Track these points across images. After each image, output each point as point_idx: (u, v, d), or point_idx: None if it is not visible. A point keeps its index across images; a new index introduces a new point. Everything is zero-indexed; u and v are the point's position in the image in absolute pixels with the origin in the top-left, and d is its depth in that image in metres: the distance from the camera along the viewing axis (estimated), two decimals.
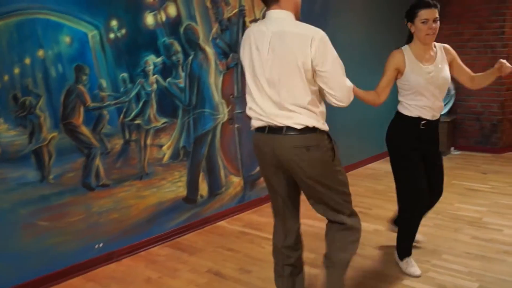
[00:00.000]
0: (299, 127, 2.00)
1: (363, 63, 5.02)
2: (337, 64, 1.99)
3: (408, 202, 2.77)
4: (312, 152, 2.01)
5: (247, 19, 3.96)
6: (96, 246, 3.14)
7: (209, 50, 3.69)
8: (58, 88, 2.84)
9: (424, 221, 3.60)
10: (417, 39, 2.61)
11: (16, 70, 2.64)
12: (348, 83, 2.05)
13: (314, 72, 1.97)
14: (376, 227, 3.68)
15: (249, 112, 2.14)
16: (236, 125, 4.02)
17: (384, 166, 5.39)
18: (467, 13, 5.87)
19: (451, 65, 2.69)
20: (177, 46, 3.45)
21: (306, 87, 1.98)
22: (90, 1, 2.91)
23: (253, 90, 2.07)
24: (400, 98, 2.73)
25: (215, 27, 3.72)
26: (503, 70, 2.49)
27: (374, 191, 4.61)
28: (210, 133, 3.81)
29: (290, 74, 1.96)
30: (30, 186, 2.77)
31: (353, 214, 2.26)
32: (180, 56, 3.49)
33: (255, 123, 2.12)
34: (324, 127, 2.07)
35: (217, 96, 3.81)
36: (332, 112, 2.26)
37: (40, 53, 2.73)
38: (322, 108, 2.08)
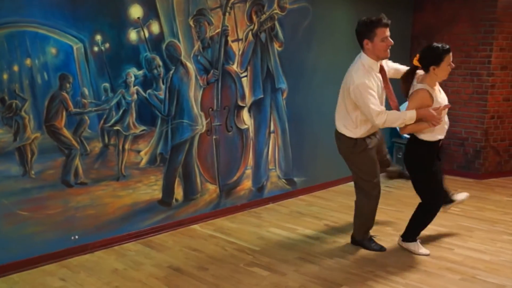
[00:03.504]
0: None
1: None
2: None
3: (436, 199, 3.47)
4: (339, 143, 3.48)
5: (230, 38, 4.28)
6: (72, 237, 3.46)
7: (190, 66, 4.02)
8: (42, 94, 3.19)
9: (383, 236, 3.86)
10: (434, 75, 3.16)
11: (5, 76, 3.01)
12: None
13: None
14: (336, 239, 3.91)
15: None
16: (214, 137, 4.33)
17: None
18: (456, 42, 6.10)
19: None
20: (158, 61, 3.79)
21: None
22: (76, 17, 3.26)
23: None
24: None
25: (197, 45, 4.05)
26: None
27: (347, 207, 4.84)
28: (187, 142, 4.12)
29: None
30: (12, 179, 3.12)
31: (367, 195, 3.53)
32: (161, 70, 3.82)
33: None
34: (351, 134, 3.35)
35: (196, 109, 4.12)
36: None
37: (28, 61, 3.09)
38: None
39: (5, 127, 3.05)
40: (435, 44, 3.15)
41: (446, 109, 3.19)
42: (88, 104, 3.43)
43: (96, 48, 3.41)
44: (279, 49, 4.73)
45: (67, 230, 3.43)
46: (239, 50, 4.39)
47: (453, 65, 3.11)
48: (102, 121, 3.53)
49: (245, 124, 4.58)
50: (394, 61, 3.53)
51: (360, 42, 3.22)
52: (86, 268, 3.31)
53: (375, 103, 3.12)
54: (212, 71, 4.19)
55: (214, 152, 4.36)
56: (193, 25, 3.99)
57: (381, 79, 3.27)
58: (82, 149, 3.44)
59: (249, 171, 4.71)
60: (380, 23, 3.10)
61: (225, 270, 3.31)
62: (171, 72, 3.90)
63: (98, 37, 3.41)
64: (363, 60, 3.21)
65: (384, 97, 3.35)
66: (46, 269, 3.28)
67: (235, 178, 4.60)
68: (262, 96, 4.67)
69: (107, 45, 3.46)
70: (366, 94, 3.09)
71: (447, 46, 3.10)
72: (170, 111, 3.95)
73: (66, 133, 3.34)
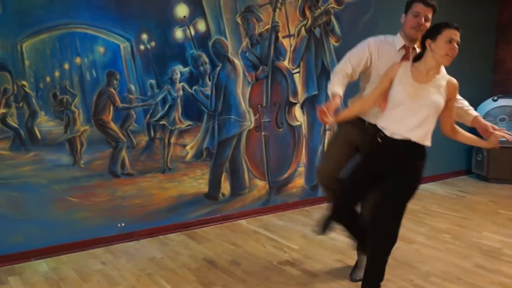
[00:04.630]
0: None
1: None
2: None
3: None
4: None
5: (280, 34, 4.26)
6: (119, 225, 3.69)
7: (238, 62, 4.07)
8: (91, 90, 3.44)
9: (437, 244, 3.62)
10: (430, 53, 2.54)
11: (57, 73, 3.29)
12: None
13: None
14: None
15: None
16: (263, 133, 4.34)
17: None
18: None
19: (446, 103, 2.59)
20: (205, 58, 3.89)
21: None
22: (123, 18, 3.47)
23: None
24: None
25: (245, 41, 4.09)
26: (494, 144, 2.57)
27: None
28: (235, 138, 4.18)
29: None
30: (63, 168, 3.40)
31: None
32: (208, 66, 3.92)
33: None
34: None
35: (244, 105, 4.17)
36: None
37: (77, 60, 3.35)
38: None
39: (56, 120, 3.34)
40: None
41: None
42: (134, 100, 3.62)
43: (142, 47, 3.59)
44: (336, 44, 4.61)
45: (114, 217, 3.66)
46: (291, 46, 4.35)
47: (456, 46, 2.47)
48: (148, 116, 3.71)
49: (297, 121, 4.53)
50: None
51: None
52: (128, 254, 3.51)
53: (344, 67, 2.76)
54: (261, 67, 4.21)
55: (263, 148, 4.37)
56: (240, 22, 4.04)
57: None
58: (129, 142, 3.65)
59: (301, 169, 4.65)
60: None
61: (257, 267, 3.32)
62: (218, 68, 3.98)
63: (144, 36, 3.59)
64: (395, 36, 2.81)
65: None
66: (93, 253, 3.53)
67: (286, 175, 4.57)
68: (316, 92, 4.59)
69: (153, 43, 3.63)
70: (352, 52, 2.79)
71: (453, 24, 2.54)
72: (216, 107, 4.03)
73: (113, 126, 3.56)
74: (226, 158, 4.17)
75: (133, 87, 3.61)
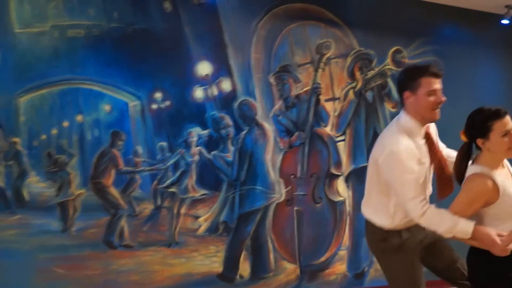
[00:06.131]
0: None
1: None
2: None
3: None
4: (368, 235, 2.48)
5: (322, 97, 3.72)
6: None
7: (268, 127, 3.59)
8: (92, 150, 3.13)
9: None
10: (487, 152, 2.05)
11: (54, 131, 3.03)
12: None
13: None
14: None
15: None
16: (296, 208, 3.75)
17: None
18: None
19: None
20: (228, 120, 3.46)
21: None
22: (135, 75, 3.17)
23: None
24: None
25: (279, 104, 3.60)
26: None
27: None
28: (260, 211, 3.64)
29: None
30: (51, 234, 3.07)
31: None
32: (231, 130, 3.48)
33: None
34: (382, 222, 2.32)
35: (273, 174, 3.64)
36: None
37: (79, 117, 3.07)
38: None
39: (49, 181, 3.05)
40: (482, 107, 2.07)
41: None
42: (140, 163, 3.26)
43: (154, 106, 3.26)
44: (393, 110, 3.95)
45: None
46: (335, 110, 3.78)
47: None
48: (155, 182, 3.33)
49: (340, 196, 3.89)
50: None
51: (400, 96, 2.28)
52: None
53: (413, 184, 2.12)
54: (297, 133, 3.68)
55: (295, 225, 3.77)
56: (274, 83, 3.57)
57: (427, 150, 2.24)
58: (130, 210, 3.27)
59: (343, 252, 3.95)
60: (427, 71, 2.16)
61: None
62: (244, 132, 3.52)
63: (158, 95, 3.26)
64: (401, 120, 2.24)
65: (431, 177, 2.30)
66: None
67: (323, 258, 3.89)
68: (366, 164, 3.90)
69: (167, 102, 3.29)
70: (402, 167, 2.12)
71: (497, 109, 1.99)
72: (239, 175, 3.54)
73: (114, 191, 3.21)
74: (248, 234, 3.62)
75: (140, 149, 3.26)
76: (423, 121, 2.21)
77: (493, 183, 1.98)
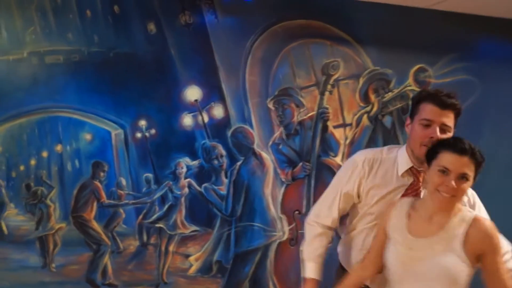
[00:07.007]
0: None
1: None
2: None
3: None
4: None
5: (330, 123, 3.33)
6: None
7: (267, 156, 3.26)
8: (72, 182, 2.98)
9: None
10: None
11: (32, 162, 2.92)
12: None
13: None
14: None
15: None
16: (301, 248, 3.33)
17: None
18: None
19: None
20: (221, 150, 3.18)
21: None
22: (117, 101, 3.00)
23: None
24: None
25: (279, 131, 3.27)
26: None
27: None
28: (259, 251, 3.28)
29: None
30: (30, 270, 2.93)
31: None
32: (225, 160, 3.19)
33: None
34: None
35: (273, 210, 3.28)
36: None
37: (58, 147, 2.95)
38: None
39: (28, 214, 2.94)
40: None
41: None
42: (124, 196, 3.06)
43: (139, 134, 3.06)
44: None
45: None
46: (346, 138, 3.37)
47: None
48: (141, 216, 3.10)
49: None
50: None
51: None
52: None
53: (326, 205, 1.96)
54: (301, 164, 3.31)
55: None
56: (273, 108, 3.25)
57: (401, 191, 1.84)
58: (114, 246, 3.06)
59: None
60: (430, 97, 1.76)
61: None
62: (239, 163, 3.22)
63: (143, 122, 3.06)
64: (400, 148, 1.90)
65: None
66: None
67: None
68: None
69: (153, 131, 3.07)
70: (335, 181, 1.99)
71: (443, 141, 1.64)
72: (234, 210, 3.23)
73: (96, 226, 3.03)
74: (246, 276, 3.27)
75: (124, 181, 3.06)
76: (414, 158, 1.81)
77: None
